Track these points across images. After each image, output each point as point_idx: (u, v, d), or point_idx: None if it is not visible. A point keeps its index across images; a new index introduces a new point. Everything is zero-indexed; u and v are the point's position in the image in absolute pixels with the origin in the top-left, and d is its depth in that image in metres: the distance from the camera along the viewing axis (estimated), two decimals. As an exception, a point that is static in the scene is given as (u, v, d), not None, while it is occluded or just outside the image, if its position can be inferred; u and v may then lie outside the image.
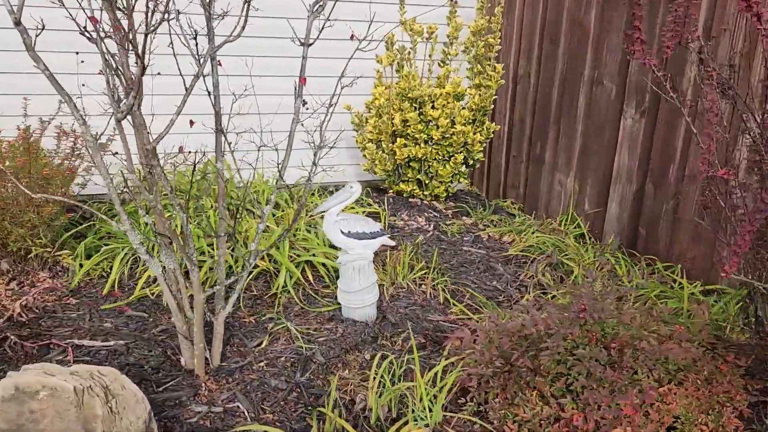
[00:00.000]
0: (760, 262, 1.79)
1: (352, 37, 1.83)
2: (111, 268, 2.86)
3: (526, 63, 3.97)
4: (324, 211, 2.42)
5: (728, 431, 1.76)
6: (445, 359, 2.07)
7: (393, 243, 2.52)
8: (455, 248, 3.29)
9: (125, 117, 1.52)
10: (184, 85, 1.54)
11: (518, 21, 4.00)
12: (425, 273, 2.86)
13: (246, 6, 1.54)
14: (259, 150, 2.21)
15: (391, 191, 3.94)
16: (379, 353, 2.17)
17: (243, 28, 1.57)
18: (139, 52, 1.37)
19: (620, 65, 3.28)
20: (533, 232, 3.44)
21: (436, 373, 1.98)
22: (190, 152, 1.70)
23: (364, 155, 3.83)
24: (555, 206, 3.82)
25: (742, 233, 1.34)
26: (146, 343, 2.28)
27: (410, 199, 3.85)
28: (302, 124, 1.81)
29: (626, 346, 1.78)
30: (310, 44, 1.86)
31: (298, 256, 2.86)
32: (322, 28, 1.85)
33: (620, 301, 1.94)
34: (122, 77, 1.51)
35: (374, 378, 1.99)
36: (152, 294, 2.66)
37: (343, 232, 2.37)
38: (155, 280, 2.76)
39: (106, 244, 2.96)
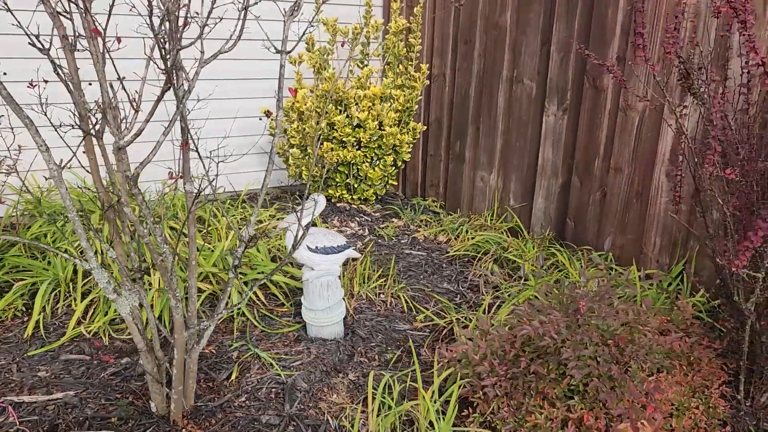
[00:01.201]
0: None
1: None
2: (26, 307, 2.52)
3: (440, 63, 4.00)
4: (287, 228, 2.27)
5: (718, 412, 1.88)
6: (438, 373, 2.02)
7: (358, 255, 2.42)
8: (396, 252, 3.25)
9: (131, 143, 1.30)
10: (177, 100, 1.36)
11: (430, 21, 4.02)
12: (383, 282, 2.79)
13: (243, 13, 1.38)
14: (218, 163, 2.02)
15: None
16: (371, 372, 2.08)
17: (239, 38, 1.41)
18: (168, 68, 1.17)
19: (539, 65, 3.40)
20: (467, 231, 3.49)
21: (433, 387, 1.92)
22: (181, 176, 1.50)
23: (285, 161, 3.67)
24: (479, 203, 3.90)
25: (756, 229, 1.42)
26: (100, 390, 2.02)
27: (338, 204, 3.75)
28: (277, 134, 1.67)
29: (623, 342, 1.83)
30: (289, 52, 1.72)
31: (245, 275, 2.68)
32: (304, 33, 1.72)
33: (602, 297, 2.00)
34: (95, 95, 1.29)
35: (373, 399, 1.90)
36: (89, 332, 2.36)
37: (309, 248, 2.24)
38: (85, 316, 2.45)
39: (15, 279, 2.59)
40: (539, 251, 3.13)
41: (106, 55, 1.26)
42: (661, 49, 2.84)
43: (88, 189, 1.56)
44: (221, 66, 3.59)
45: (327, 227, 3.45)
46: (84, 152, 1.63)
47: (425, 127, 3.90)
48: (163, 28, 1.20)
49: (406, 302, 2.68)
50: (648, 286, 2.84)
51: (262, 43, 1.84)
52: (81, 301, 2.46)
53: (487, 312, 2.62)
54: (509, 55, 3.55)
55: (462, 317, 2.54)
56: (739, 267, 1.49)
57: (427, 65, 3.74)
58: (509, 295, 2.71)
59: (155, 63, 1.36)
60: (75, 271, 2.67)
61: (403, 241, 3.40)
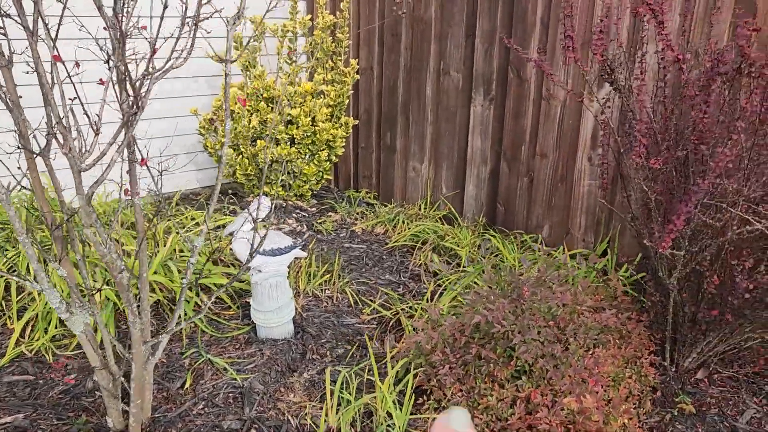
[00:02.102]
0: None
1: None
2: (-42, 329, 2.40)
3: (367, 55, 4.05)
4: (233, 232, 2.28)
5: (649, 379, 2.06)
6: (392, 364, 2.10)
7: (305, 254, 2.46)
8: (336, 246, 3.29)
9: (93, 166, 1.28)
10: (128, 122, 1.34)
11: (354, 15, 4.06)
12: (327, 278, 2.84)
13: (194, 29, 1.38)
14: (161, 173, 2.00)
15: (252, 195, 3.80)
16: (327, 368, 2.13)
17: (190, 54, 1.40)
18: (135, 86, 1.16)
19: (465, 57, 3.51)
20: (403, 221, 3.58)
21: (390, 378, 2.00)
22: (150, 191, 1.48)
23: (217, 160, 3.63)
24: (412, 192, 4.00)
25: (678, 213, 1.57)
26: (51, 410, 1.97)
27: (275, 201, 3.75)
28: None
29: (564, 322, 1.97)
30: (233, 61, 1.73)
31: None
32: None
33: (541, 282, 2.14)
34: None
35: (331, 395, 1.95)
36: (30, 351, 2.28)
37: (258, 252, 2.25)
38: (23, 335, 2.37)
39: (-59, 301, 2.46)
40: (474, 238, 3.26)
41: (63, 78, 1.24)
42: (587, 47, 3.00)
43: (30, 209, 1.52)
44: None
45: (264, 225, 3.45)
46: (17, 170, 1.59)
47: (356, 121, 3.94)
48: (121, 55, 1.19)
49: (352, 296, 2.74)
50: (577, 265, 3.02)
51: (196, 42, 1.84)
52: (18, 320, 2.38)
53: (430, 300, 2.73)
54: (436, 48, 3.65)
55: (407, 307, 2.63)
56: (665, 248, 1.63)
57: (356, 59, 3.78)
58: (450, 283, 2.82)
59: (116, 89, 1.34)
60: (7, 289, 2.57)
61: (342, 235, 3.45)
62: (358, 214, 3.78)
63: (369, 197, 4.17)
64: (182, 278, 1.69)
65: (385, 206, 3.98)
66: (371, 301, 2.73)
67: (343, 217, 3.71)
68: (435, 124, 3.77)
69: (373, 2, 3.93)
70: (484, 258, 3.03)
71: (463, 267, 2.99)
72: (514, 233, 3.35)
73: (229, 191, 3.96)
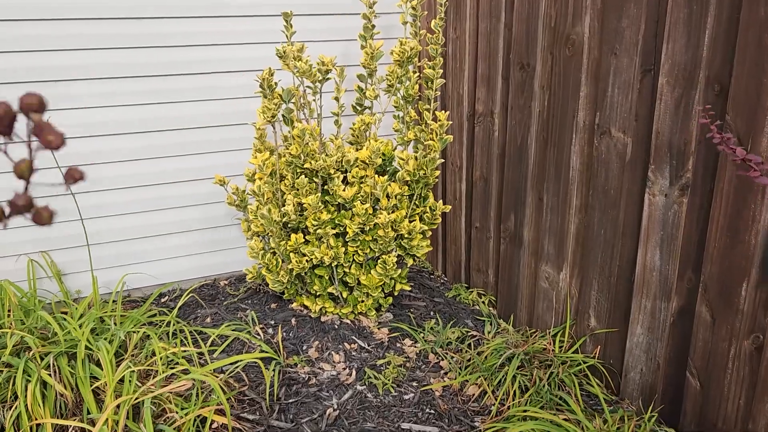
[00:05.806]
0: None
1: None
2: None
3: (486, 96, 2.67)
4: None
5: None
6: None
7: None
8: (386, 426, 1.97)
9: None
10: None
11: (471, 34, 2.70)
12: None
13: None
14: None
15: (295, 303, 2.60)
16: None
17: None
18: None
19: (637, 107, 1.99)
20: (515, 377, 2.14)
21: None
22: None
23: (250, 255, 2.48)
24: (543, 311, 2.53)
25: None
26: None
27: (323, 318, 2.51)
28: None
29: None
30: None
31: None
32: None
33: None
34: None
35: None
36: None
37: None
38: None
39: None
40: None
41: None
42: None
43: None
44: (155, 111, 2.50)
45: (295, 363, 2.23)
46: None
47: (448, 207, 2.58)
48: None
49: None
50: None
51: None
52: None
53: None
54: (589, 89, 2.17)
55: None
56: None
57: (468, 100, 2.43)
58: None
59: None
60: None
61: (406, 397, 2.11)
62: (449, 345, 2.41)
63: (482, 303, 2.77)
64: None
65: (502, 324, 2.57)
66: None
67: (423, 352, 2.37)
68: (583, 213, 2.28)
69: (497, 16, 2.54)
70: None
71: None
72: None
73: (267, 291, 2.78)
